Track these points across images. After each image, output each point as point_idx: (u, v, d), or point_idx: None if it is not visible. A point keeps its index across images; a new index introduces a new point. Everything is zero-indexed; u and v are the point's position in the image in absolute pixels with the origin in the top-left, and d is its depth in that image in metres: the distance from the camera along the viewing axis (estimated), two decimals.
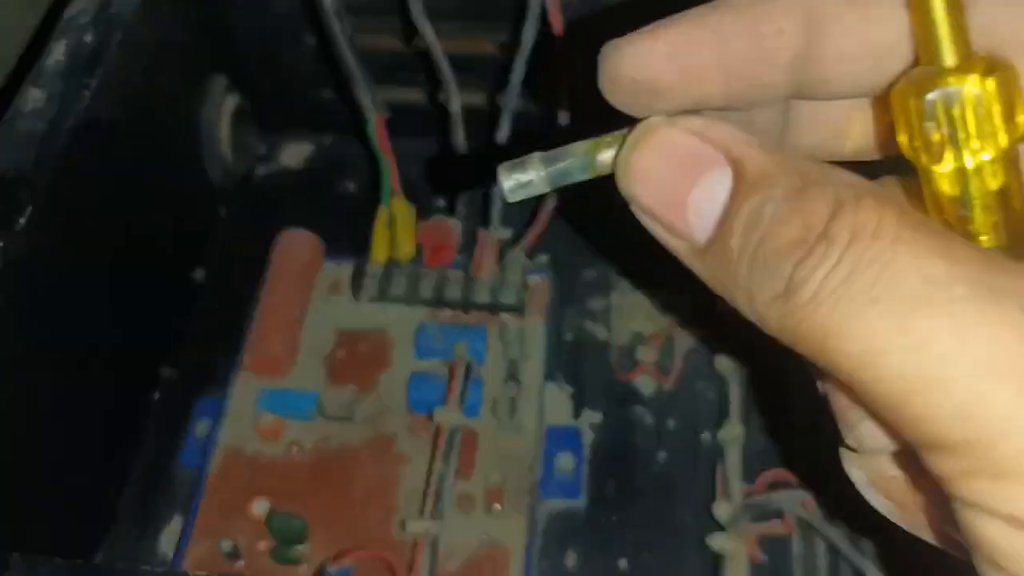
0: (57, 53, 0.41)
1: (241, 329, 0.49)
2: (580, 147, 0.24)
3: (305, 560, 0.44)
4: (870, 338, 0.19)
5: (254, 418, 0.46)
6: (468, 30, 0.50)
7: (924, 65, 0.22)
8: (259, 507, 0.44)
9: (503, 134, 0.48)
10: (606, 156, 0.24)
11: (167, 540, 0.46)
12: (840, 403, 0.25)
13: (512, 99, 0.47)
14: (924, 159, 0.22)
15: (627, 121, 0.24)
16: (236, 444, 0.46)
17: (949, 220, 0.22)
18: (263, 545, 0.44)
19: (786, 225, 0.20)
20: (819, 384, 0.26)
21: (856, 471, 0.26)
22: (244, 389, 0.47)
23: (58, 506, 0.43)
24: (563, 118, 0.49)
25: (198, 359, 0.50)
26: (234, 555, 0.43)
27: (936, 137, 0.21)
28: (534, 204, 0.51)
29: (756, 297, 0.21)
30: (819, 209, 0.20)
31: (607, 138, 0.24)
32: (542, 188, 0.24)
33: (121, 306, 0.46)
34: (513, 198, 0.24)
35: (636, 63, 0.23)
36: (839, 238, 0.19)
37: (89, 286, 0.43)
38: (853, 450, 0.25)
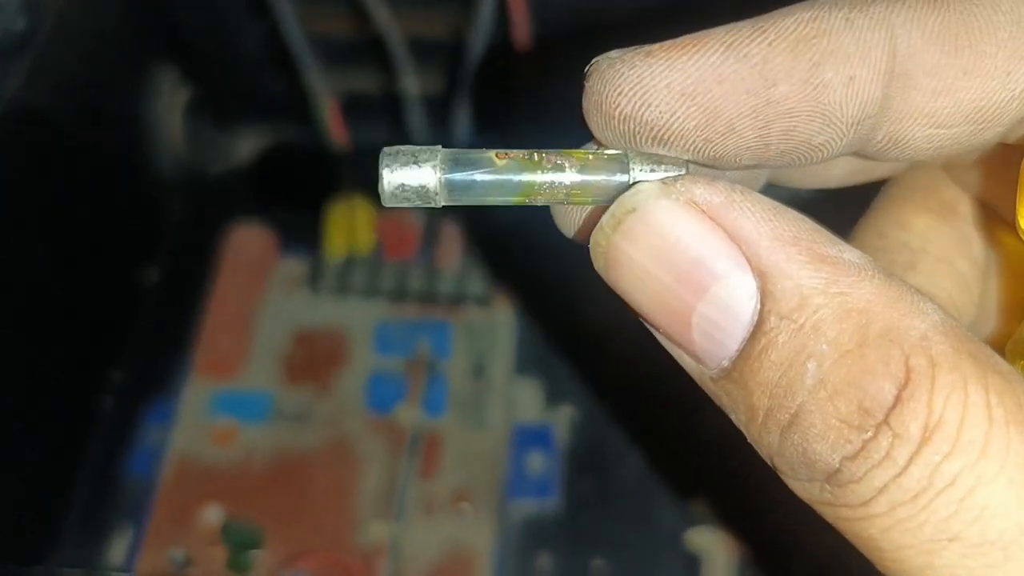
0: None
1: (193, 329, 0.46)
2: (506, 160, 0.17)
3: (261, 567, 0.42)
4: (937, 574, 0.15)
5: (206, 421, 0.44)
6: (423, 12, 0.48)
7: None
8: (212, 514, 0.43)
9: (462, 120, 0.46)
10: (545, 183, 0.17)
11: (116, 551, 0.44)
12: None
13: (470, 83, 0.45)
14: None
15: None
16: (188, 448, 0.44)
17: None
18: (217, 553, 0.42)
19: (834, 401, 0.15)
20: None
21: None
22: (195, 391, 0.45)
23: (1, 517, 0.41)
24: (525, 103, 0.47)
25: (148, 362, 0.48)
26: (187, 564, 0.41)
27: None
28: None
29: (787, 473, 0.16)
30: (880, 387, 0.14)
31: (555, 156, 0.17)
32: (437, 200, 0.17)
33: (64, 307, 0.44)
34: (391, 202, 0.17)
35: (637, 95, 0.17)
36: (907, 435, 0.14)
37: (28, 284, 0.41)
38: None
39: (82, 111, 0.44)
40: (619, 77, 0.17)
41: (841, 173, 0.22)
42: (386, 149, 0.17)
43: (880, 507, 0.15)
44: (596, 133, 0.18)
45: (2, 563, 0.33)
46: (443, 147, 0.17)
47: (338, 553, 0.41)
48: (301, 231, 0.50)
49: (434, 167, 0.17)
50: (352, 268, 0.48)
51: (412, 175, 0.17)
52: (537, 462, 0.45)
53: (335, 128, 0.46)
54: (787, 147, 0.17)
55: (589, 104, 0.18)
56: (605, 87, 0.17)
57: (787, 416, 0.15)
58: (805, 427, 0.15)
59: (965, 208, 0.22)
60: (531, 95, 0.46)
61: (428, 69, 0.48)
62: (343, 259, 0.48)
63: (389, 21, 0.45)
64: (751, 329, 0.16)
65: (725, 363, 0.16)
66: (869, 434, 0.15)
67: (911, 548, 0.15)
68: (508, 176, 0.17)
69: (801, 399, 0.15)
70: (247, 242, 0.48)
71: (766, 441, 0.16)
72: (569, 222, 0.20)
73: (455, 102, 0.46)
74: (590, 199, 0.18)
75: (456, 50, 0.46)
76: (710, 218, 0.16)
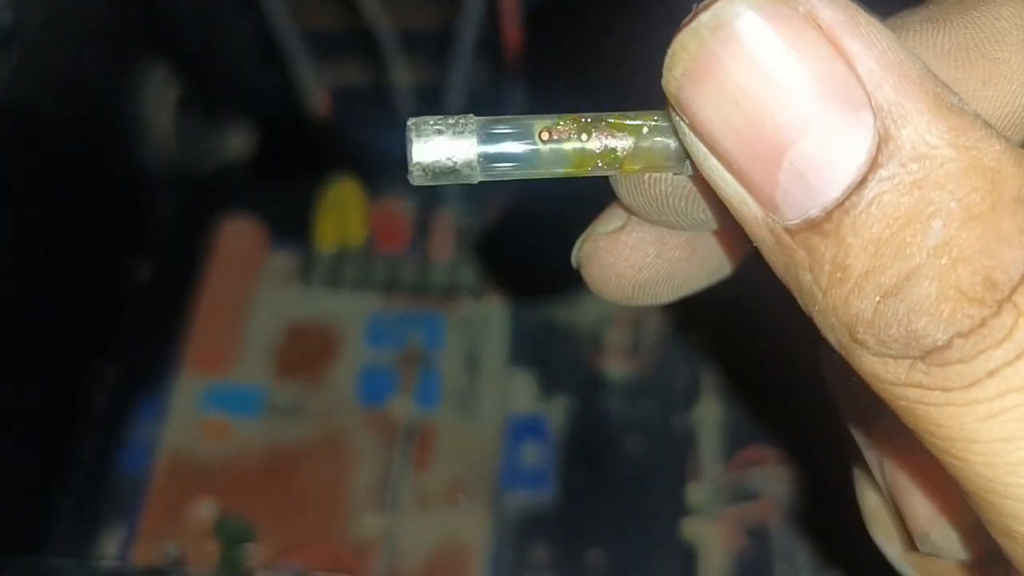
0: None
1: (184, 324, 0.46)
2: (546, 127, 0.15)
3: (254, 562, 0.41)
4: None
5: (198, 416, 0.44)
6: (413, 3, 0.48)
7: None
8: (205, 509, 0.42)
9: (453, 111, 0.46)
10: (603, 149, 0.15)
11: (109, 546, 0.43)
12: (913, 506, 0.20)
13: (461, 74, 0.45)
14: None
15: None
16: (180, 443, 0.44)
17: None
18: (210, 548, 0.42)
19: (957, 268, 0.13)
20: (879, 474, 0.22)
21: (906, 567, 0.23)
22: (187, 386, 0.45)
23: None
24: (516, 92, 0.47)
25: (139, 357, 0.48)
26: (179, 559, 0.41)
27: None
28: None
29: (867, 343, 0.14)
30: (1014, 258, 0.13)
31: (607, 119, 0.15)
32: (473, 176, 0.15)
33: (53, 303, 0.44)
34: (421, 180, 0.15)
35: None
36: None
37: (16, 280, 0.41)
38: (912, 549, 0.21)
39: (70, 106, 0.43)
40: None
41: None
42: (413, 120, 0.15)
43: (986, 392, 0.13)
44: (626, 201, 0.20)
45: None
46: (478, 118, 0.15)
47: (331, 546, 0.41)
48: (292, 224, 0.50)
49: (470, 139, 0.15)
50: (344, 261, 0.48)
51: (445, 148, 0.15)
52: (532, 453, 0.44)
53: (326, 121, 0.46)
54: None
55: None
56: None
57: (894, 280, 0.13)
58: (916, 295, 0.13)
59: None
60: (522, 83, 0.46)
61: (419, 60, 0.48)
62: (334, 252, 0.48)
63: (379, 13, 0.45)
64: (861, 174, 0.13)
65: (815, 212, 0.14)
66: (992, 309, 0.13)
67: (1013, 440, 0.13)
68: (553, 145, 0.15)
69: (918, 261, 0.13)
70: (238, 236, 0.48)
71: (855, 308, 0.14)
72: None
73: (446, 92, 0.46)
74: (650, 165, 0.16)
75: (446, 40, 0.46)
76: (830, 39, 0.13)
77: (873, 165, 0.13)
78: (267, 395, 0.45)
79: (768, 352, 0.44)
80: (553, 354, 0.47)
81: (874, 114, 0.13)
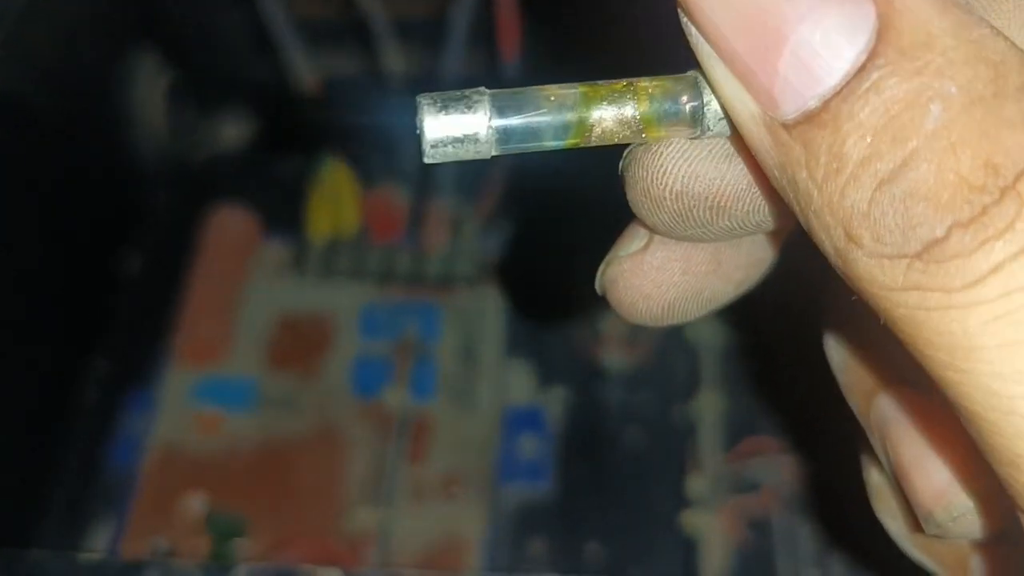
0: None
1: (175, 316, 0.46)
2: (567, 94, 0.15)
3: (245, 556, 0.41)
4: None
5: (189, 409, 0.44)
6: None
7: None
8: (196, 503, 0.42)
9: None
10: (613, 115, 0.15)
11: (99, 540, 0.43)
12: (916, 486, 0.20)
13: (454, 62, 0.45)
14: None
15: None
16: (170, 436, 0.43)
17: None
18: (200, 543, 0.41)
19: (958, 151, 0.12)
20: (882, 455, 0.21)
21: (912, 548, 0.23)
22: (178, 379, 0.45)
23: None
24: (511, 81, 0.47)
25: (130, 350, 0.47)
26: (170, 553, 0.41)
27: None
28: (486, 166, 0.48)
29: (862, 239, 0.13)
30: (1019, 142, 0.12)
31: (610, 87, 0.15)
32: (487, 150, 0.15)
33: (42, 295, 0.43)
34: (435, 157, 0.15)
35: (683, 171, 0.17)
36: None
37: (4, 272, 0.41)
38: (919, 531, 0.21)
39: (58, 94, 0.43)
40: (661, 158, 0.17)
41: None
42: (423, 96, 0.15)
43: (991, 290, 0.12)
44: (648, 220, 0.18)
45: None
46: (490, 91, 0.15)
47: (325, 540, 0.41)
48: (284, 214, 0.49)
49: (482, 113, 0.15)
50: (337, 250, 0.47)
51: (459, 124, 0.15)
52: (529, 445, 0.44)
53: (319, 110, 0.46)
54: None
55: (635, 193, 0.18)
56: (648, 173, 0.17)
57: (891, 165, 0.13)
58: (913, 179, 0.13)
59: None
60: (518, 71, 0.46)
61: (412, 49, 0.47)
62: (327, 241, 0.47)
63: (372, 1, 0.44)
64: (860, 61, 0.13)
65: (812, 103, 0.13)
66: (993, 197, 0.12)
67: (1021, 345, 0.12)
68: (567, 114, 0.15)
69: (916, 144, 0.13)
70: (229, 226, 0.47)
71: (851, 200, 0.13)
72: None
73: (440, 81, 0.46)
74: (661, 132, 0.16)
75: (439, 28, 0.46)
76: None
77: (872, 53, 0.13)
78: (259, 387, 0.44)
79: (768, 342, 0.43)
80: (551, 344, 0.47)
81: (876, 7, 0.13)
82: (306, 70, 0.45)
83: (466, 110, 0.15)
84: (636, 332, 0.46)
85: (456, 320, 0.46)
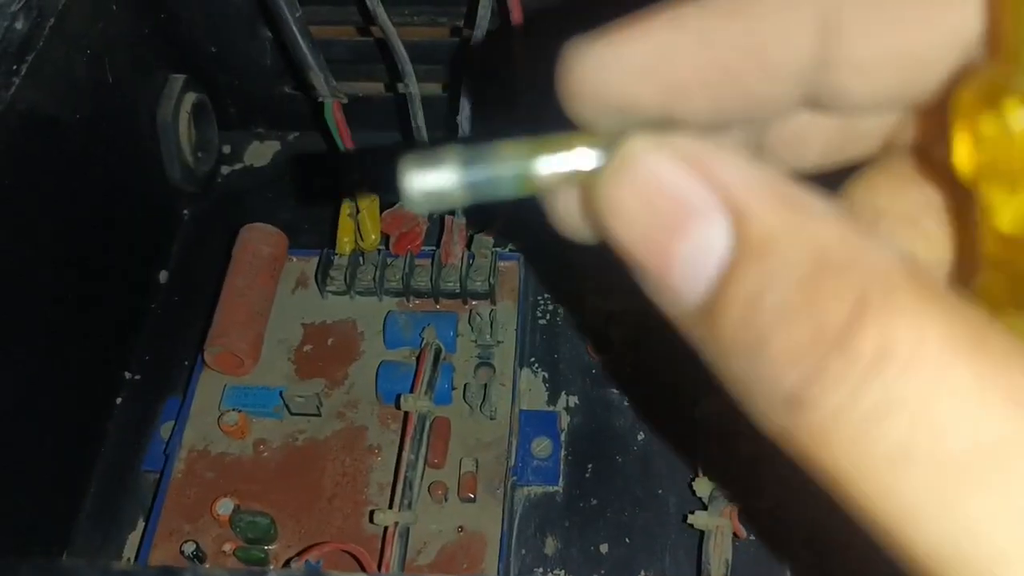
0: None
1: (204, 328, 0.47)
2: (511, 150, 0.18)
3: (272, 559, 0.42)
4: (900, 499, 0.15)
5: (218, 417, 0.45)
6: (425, 16, 0.49)
7: (998, 66, 0.17)
8: (223, 507, 0.43)
9: (465, 120, 0.47)
10: (547, 167, 0.18)
11: (131, 545, 0.44)
12: None
13: (472, 85, 0.46)
14: (992, 188, 0.17)
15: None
16: (200, 444, 0.45)
17: (1004, 260, 0.18)
18: (228, 546, 0.42)
19: (793, 323, 0.15)
20: None
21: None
22: (207, 387, 0.46)
23: (17, 513, 0.41)
24: (527, 103, 0.48)
25: (162, 361, 0.49)
26: (198, 557, 0.42)
27: (1018, 164, 0.16)
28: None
29: (754, 396, 0.16)
30: (835, 309, 0.15)
31: (551, 141, 0.18)
32: (458, 198, 0.18)
33: (80, 309, 0.45)
34: (419, 207, 0.18)
35: (602, 76, 0.19)
36: (860, 355, 0.15)
37: (40, 287, 0.42)
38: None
39: (88, 114, 0.44)
40: (582, 62, 0.19)
41: (816, 151, 0.22)
42: (404, 157, 0.18)
43: (839, 427, 0.15)
44: (571, 114, 0.19)
45: (17, 557, 0.33)
46: (456, 145, 0.18)
47: (349, 543, 0.42)
48: (310, 231, 0.51)
49: (450, 169, 0.17)
50: (360, 266, 0.49)
51: (431, 180, 0.18)
52: (543, 449, 0.45)
53: (341, 130, 0.47)
54: (738, 105, 0.19)
55: (560, 88, 0.19)
56: (571, 73, 0.19)
57: (750, 345, 0.16)
58: (766, 354, 0.16)
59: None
60: (531, 89, 0.47)
61: (431, 70, 0.49)
62: (351, 257, 0.49)
63: (391, 24, 0.45)
64: (725, 266, 0.16)
65: (701, 300, 0.17)
66: (824, 356, 0.15)
67: (872, 469, 0.15)
68: (519, 164, 0.18)
69: (762, 327, 0.16)
70: (256, 241, 0.49)
71: (734, 373, 0.17)
72: (567, 210, 0.20)
73: (458, 101, 0.47)
74: (593, 176, 0.18)
75: (457, 49, 0.47)
76: (692, 166, 0.17)
77: (733, 260, 0.16)
78: (286, 395, 0.45)
79: None
80: (563, 351, 0.49)
81: (729, 217, 0.16)
82: (328, 91, 0.46)
83: (437, 168, 0.17)
84: (647, 337, 0.48)
85: (473, 330, 0.47)
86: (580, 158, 0.18)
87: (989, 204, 0.17)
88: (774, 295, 0.16)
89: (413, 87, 0.47)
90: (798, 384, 0.15)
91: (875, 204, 0.22)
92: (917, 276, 0.15)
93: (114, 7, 0.45)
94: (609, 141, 0.18)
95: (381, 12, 0.44)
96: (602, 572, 0.43)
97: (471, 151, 0.18)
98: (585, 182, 0.18)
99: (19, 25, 0.39)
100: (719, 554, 0.41)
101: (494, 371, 0.46)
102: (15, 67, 0.38)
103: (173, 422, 0.46)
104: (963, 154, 0.17)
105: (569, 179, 0.18)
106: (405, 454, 0.43)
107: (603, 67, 0.18)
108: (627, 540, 0.43)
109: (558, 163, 0.18)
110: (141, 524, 0.45)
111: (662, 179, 0.17)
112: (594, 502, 0.44)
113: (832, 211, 0.16)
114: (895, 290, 0.15)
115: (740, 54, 0.18)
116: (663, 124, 0.18)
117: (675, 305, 0.17)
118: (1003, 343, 0.15)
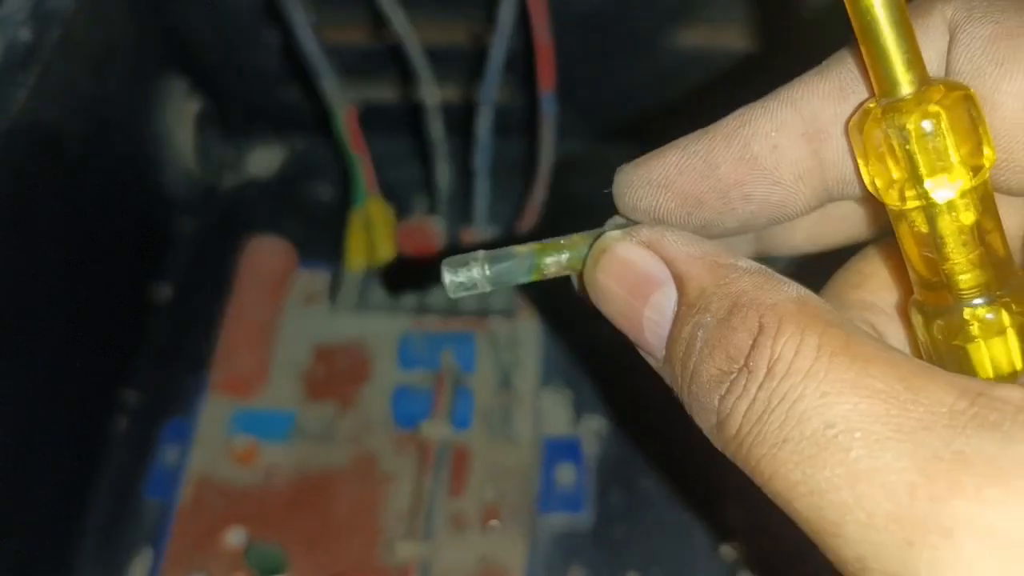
0: None
1: (209, 347, 0.45)
2: (525, 250, 0.24)
3: None
4: (780, 480, 0.19)
5: (226, 441, 0.43)
6: (442, 18, 0.47)
7: (879, 97, 0.20)
8: (234, 537, 0.42)
9: (483, 128, 0.45)
10: (550, 261, 0.24)
11: (136, 574, 0.42)
12: None
13: (491, 91, 0.44)
14: (889, 199, 0.21)
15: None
16: (207, 470, 0.43)
17: (922, 261, 0.21)
18: None
19: (713, 354, 0.20)
20: None
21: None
22: (214, 411, 0.44)
23: (12, 543, 0.39)
24: (547, 109, 0.46)
25: (163, 381, 0.47)
26: None
27: (896, 173, 0.20)
28: (520, 200, 0.48)
29: (701, 423, 0.21)
30: (740, 339, 0.20)
31: (552, 243, 0.24)
32: (485, 287, 0.24)
33: (76, 326, 0.43)
34: (456, 295, 0.24)
35: (634, 190, 0.23)
36: (757, 371, 0.19)
37: (39, 303, 0.40)
38: None
39: (90, 123, 0.43)
40: (621, 178, 0.24)
41: (801, 238, 0.26)
42: (445, 260, 0.24)
43: (744, 432, 0.19)
44: (625, 215, 0.25)
45: None
46: (484, 251, 0.24)
47: (366, 574, 0.40)
48: (320, 244, 0.49)
49: (479, 267, 0.23)
50: (373, 281, 0.47)
51: (464, 276, 0.23)
52: (567, 475, 0.44)
53: (353, 138, 0.45)
54: (754, 208, 0.23)
55: (617, 202, 0.24)
56: (616, 186, 0.24)
57: (688, 376, 0.21)
58: (698, 381, 0.20)
59: None
60: (554, 100, 0.45)
61: (448, 77, 0.47)
62: (363, 272, 0.47)
63: (407, 28, 0.44)
64: (672, 321, 0.21)
65: (662, 351, 0.22)
66: (733, 375, 0.19)
67: (765, 457, 0.19)
68: (529, 263, 0.24)
69: (694, 360, 0.20)
70: (264, 256, 0.47)
71: (685, 402, 0.21)
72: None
73: (476, 110, 0.45)
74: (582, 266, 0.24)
75: (476, 57, 0.45)
76: (651, 250, 0.22)
77: (676, 315, 0.21)
78: (296, 419, 0.44)
79: None
80: (586, 374, 0.47)
81: (676, 283, 0.21)
82: (339, 98, 0.44)
83: (469, 268, 0.23)
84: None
85: (492, 350, 0.45)
86: (573, 254, 0.24)
87: (893, 213, 0.21)
88: (702, 335, 0.20)
89: (430, 95, 0.45)
90: (719, 403, 0.20)
91: (864, 300, 0.25)
92: (805, 305, 0.20)
93: (111, 11, 0.43)
94: (594, 239, 0.24)
95: (397, 12, 0.42)
96: None
97: (493, 254, 0.23)
98: (578, 270, 0.24)
99: (25, 35, 0.38)
100: None
101: (515, 393, 0.45)
102: (21, 78, 0.37)
103: (177, 445, 0.44)
104: (866, 175, 0.21)
105: (566, 269, 0.24)
106: (424, 483, 0.41)
107: (633, 183, 0.24)
108: (655, 570, 0.42)
109: (557, 259, 0.24)
110: (145, 553, 0.43)
111: (628, 259, 0.22)
112: (621, 530, 0.43)
113: (753, 268, 0.21)
114: (783, 317, 0.19)
115: (739, 168, 0.22)
116: (635, 223, 0.24)
117: (650, 357, 0.23)
118: (863, 349, 0.18)
